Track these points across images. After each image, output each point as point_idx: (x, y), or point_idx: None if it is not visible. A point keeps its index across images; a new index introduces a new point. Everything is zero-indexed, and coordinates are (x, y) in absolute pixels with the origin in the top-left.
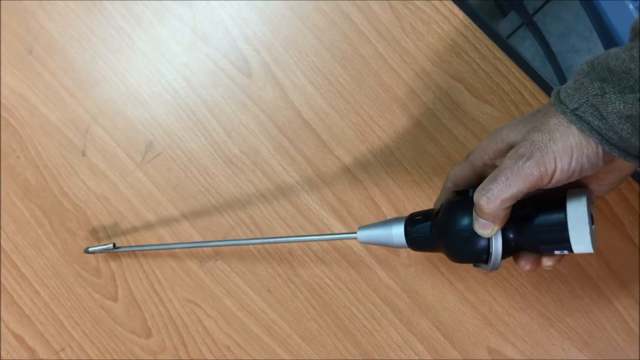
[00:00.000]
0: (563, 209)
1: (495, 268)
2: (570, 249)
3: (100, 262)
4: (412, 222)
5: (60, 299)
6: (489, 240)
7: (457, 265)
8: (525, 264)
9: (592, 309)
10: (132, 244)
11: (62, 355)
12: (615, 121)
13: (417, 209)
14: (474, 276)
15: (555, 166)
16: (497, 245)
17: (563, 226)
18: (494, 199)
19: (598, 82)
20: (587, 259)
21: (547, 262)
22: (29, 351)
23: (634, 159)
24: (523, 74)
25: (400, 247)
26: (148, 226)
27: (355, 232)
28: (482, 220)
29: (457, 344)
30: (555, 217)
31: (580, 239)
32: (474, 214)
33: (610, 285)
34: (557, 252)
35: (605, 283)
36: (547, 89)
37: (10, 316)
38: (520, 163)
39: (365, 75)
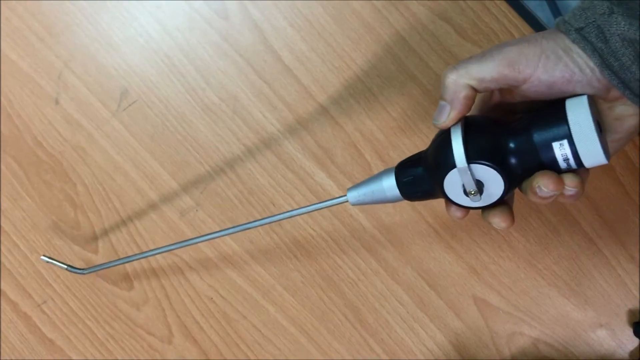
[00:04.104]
0: (564, 117)
1: (462, 167)
2: (580, 163)
3: (79, 214)
4: (402, 168)
5: (40, 252)
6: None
7: (443, 214)
8: (548, 183)
9: (580, 256)
10: (110, 195)
11: (44, 307)
12: (617, 44)
13: (402, 156)
14: (460, 225)
15: (539, 61)
16: (457, 139)
17: (568, 136)
18: (462, 71)
19: (607, 2)
20: (576, 205)
21: (567, 180)
22: (10, 304)
23: (634, 97)
24: (513, 12)
25: (395, 200)
26: (126, 177)
27: (345, 195)
28: (440, 103)
29: (442, 294)
30: (556, 126)
31: (589, 149)
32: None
33: (598, 232)
34: (563, 167)
35: (594, 229)
36: (539, 29)
37: None
38: (503, 46)
39: (347, 15)
